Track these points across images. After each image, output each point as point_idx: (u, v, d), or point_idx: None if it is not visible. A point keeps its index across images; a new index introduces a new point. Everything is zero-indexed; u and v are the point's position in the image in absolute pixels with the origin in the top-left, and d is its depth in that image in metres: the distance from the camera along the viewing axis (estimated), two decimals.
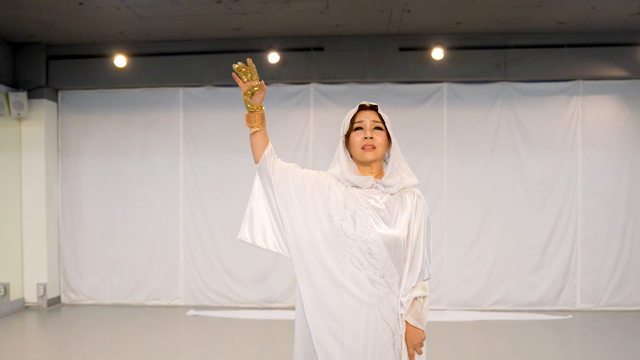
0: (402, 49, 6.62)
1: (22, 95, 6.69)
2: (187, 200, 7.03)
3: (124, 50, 6.77)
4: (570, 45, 6.53)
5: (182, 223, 7.05)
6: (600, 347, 5.32)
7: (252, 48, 6.58)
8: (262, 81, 2.18)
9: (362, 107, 2.27)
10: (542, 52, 6.57)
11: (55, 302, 7.09)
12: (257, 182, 2.30)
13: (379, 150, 2.20)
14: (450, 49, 6.55)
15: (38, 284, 6.91)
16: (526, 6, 5.75)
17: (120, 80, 6.90)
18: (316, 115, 6.91)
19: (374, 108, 2.26)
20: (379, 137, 2.20)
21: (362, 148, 2.18)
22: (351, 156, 2.25)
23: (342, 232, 2.16)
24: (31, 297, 6.95)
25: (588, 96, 6.75)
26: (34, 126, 6.92)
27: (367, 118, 2.21)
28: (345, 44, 6.67)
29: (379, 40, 6.64)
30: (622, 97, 6.74)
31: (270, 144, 2.26)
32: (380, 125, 2.22)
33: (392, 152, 2.26)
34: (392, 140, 2.25)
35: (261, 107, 2.21)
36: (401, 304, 2.17)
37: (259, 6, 5.76)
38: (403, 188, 2.24)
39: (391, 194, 2.22)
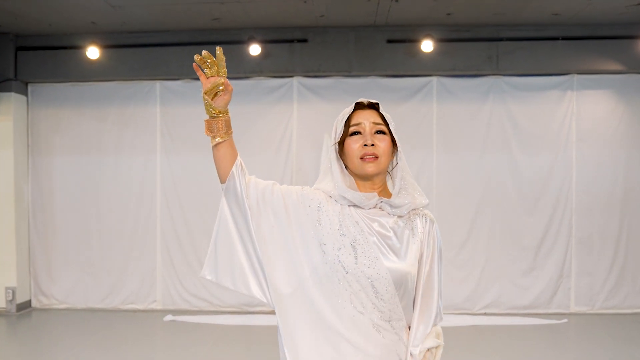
0: (389, 41, 6.39)
1: None
2: (165, 199, 6.77)
3: (97, 41, 6.49)
4: (564, 38, 6.32)
5: (160, 224, 6.78)
6: (596, 352, 5.16)
7: (232, 39, 6.31)
8: (227, 80, 1.73)
9: (359, 106, 1.84)
10: (535, 45, 6.35)
11: (25, 306, 6.78)
12: (223, 208, 1.82)
13: (383, 160, 1.76)
14: (440, 41, 6.32)
15: (6, 288, 6.61)
16: None
17: (93, 73, 6.63)
18: (300, 111, 6.66)
19: (373, 107, 1.84)
20: (382, 143, 1.76)
21: (362, 158, 1.75)
22: (346, 167, 1.81)
23: (340, 265, 1.71)
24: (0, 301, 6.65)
25: (583, 91, 6.55)
26: (1, 122, 6.63)
27: (366, 120, 1.78)
28: (330, 35, 6.43)
29: (366, 32, 6.40)
30: (617, 92, 6.54)
31: (239, 158, 1.80)
32: (383, 128, 1.79)
33: (398, 161, 1.83)
34: (398, 148, 1.82)
35: (226, 111, 1.76)
36: (411, 355, 1.75)
37: None
38: (413, 209, 1.81)
39: (399, 217, 1.78)
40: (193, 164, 6.68)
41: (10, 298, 6.59)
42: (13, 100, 6.62)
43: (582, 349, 5.31)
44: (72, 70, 6.65)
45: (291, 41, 6.46)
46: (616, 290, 6.54)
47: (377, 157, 1.75)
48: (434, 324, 1.78)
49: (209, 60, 1.73)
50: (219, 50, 1.72)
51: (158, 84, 6.77)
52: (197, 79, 6.58)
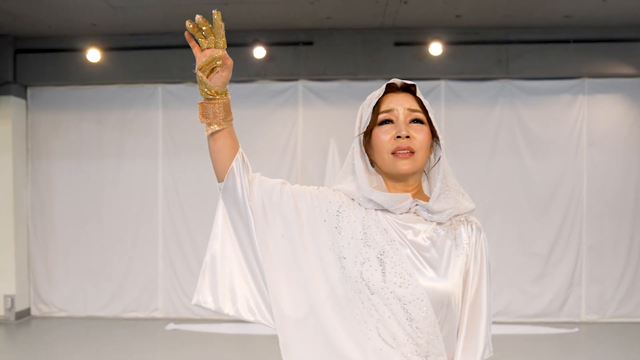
0: (397, 44, 6.27)
1: None
2: (167, 205, 6.65)
3: (97, 43, 6.37)
4: (575, 41, 6.19)
5: (162, 230, 6.66)
6: None
7: (236, 42, 6.17)
8: (226, 53, 1.39)
9: (390, 88, 1.49)
10: (546, 48, 6.23)
11: (24, 314, 6.65)
12: (221, 212, 1.50)
13: (420, 156, 1.44)
14: (449, 43, 6.20)
15: (5, 296, 6.48)
16: None
17: (94, 76, 6.51)
18: (305, 115, 6.54)
19: (409, 89, 1.49)
20: (420, 134, 1.43)
21: (394, 153, 1.42)
22: (372, 164, 1.50)
23: (363, 283, 1.38)
24: None
25: (594, 95, 6.43)
26: (0, 125, 6.50)
27: (400, 105, 1.45)
28: (337, 38, 6.31)
29: (373, 34, 6.28)
30: (630, 96, 6.41)
31: (241, 151, 1.48)
32: (421, 116, 1.45)
33: (439, 158, 1.49)
34: (441, 141, 1.49)
35: (225, 92, 1.43)
36: None
37: None
38: (456, 215, 1.48)
39: (438, 224, 1.45)
40: (195, 169, 6.55)
41: (9, 306, 6.46)
42: (12, 104, 6.50)
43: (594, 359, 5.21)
44: (72, 73, 6.53)
45: (296, 44, 6.34)
46: (628, 298, 6.40)
47: (413, 153, 1.42)
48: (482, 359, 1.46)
49: (204, 28, 1.38)
50: (216, 14, 1.36)
51: (160, 88, 6.66)
52: None
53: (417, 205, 1.45)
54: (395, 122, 1.44)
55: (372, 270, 1.39)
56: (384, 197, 1.43)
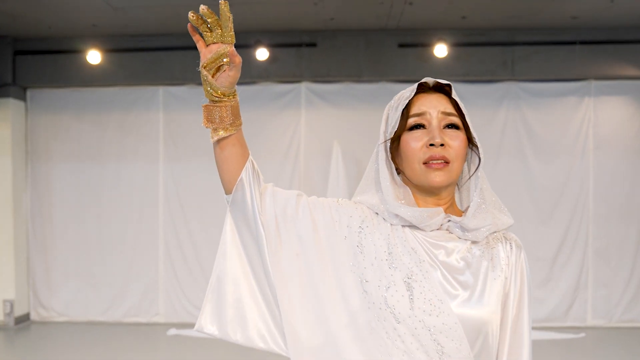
0: (401, 45, 6.19)
1: None
2: (168, 208, 6.57)
3: (98, 45, 6.29)
4: (582, 42, 6.12)
5: (163, 233, 6.58)
6: None
7: (239, 43, 5.91)
8: (234, 49, 1.23)
9: (422, 88, 1.33)
10: (552, 50, 6.16)
11: (23, 319, 6.57)
12: (229, 227, 1.34)
13: (455, 166, 1.27)
14: (454, 45, 6.12)
15: (4, 301, 6.40)
16: None
17: (94, 77, 6.43)
18: (308, 117, 6.46)
19: (443, 89, 1.33)
20: (456, 142, 1.27)
21: (427, 164, 1.26)
22: (398, 172, 1.34)
23: (388, 311, 1.23)
24: None
25: (600, 97, 6.35)
26: None
27: (434, 108, 1.29)
28: (340, 39, 6.23)
29: (377, 36, 6.20)
30: (637, 99, 6.34)
31: (251, 159, 1.33)
32: (457, 120, 1.29)
33: (477, 167, 1.33)
34: (480, 150, 1.31)
35: (233, 93, 1.27)
36: None
37: None
38: (493, 232, 1.32)
39: (473, 242, 1.30)
40: (197, 172, 6.48)
41: (8, 311, 6.38)
42: (11, 106, 6.42)
43: None
44: (72, 75, 6.45)
45: (299, 45, 6.26)
46: (635, 302, 6.33)
47: (447, 163, 1.26)
48: None
49: (209, 20, 1.22)
50: (223, 4, 1.20)
51: (161, 90, 6.58)
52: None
53: (449, 221, 1.29)
54: (427, 127, 1.28)
55: (398, 295, 1.23)
56: (412, 212, 1.26)
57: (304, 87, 6.44)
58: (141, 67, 6.40)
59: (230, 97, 1.26)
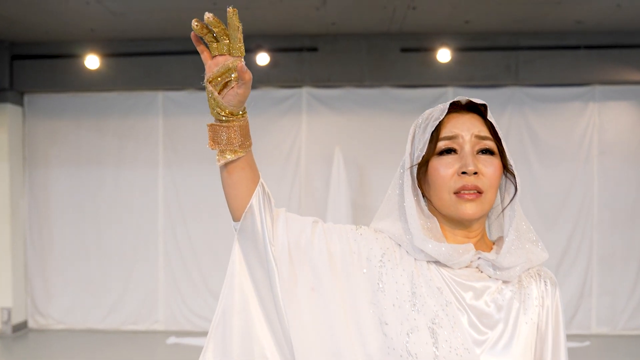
0: (404, 50, 6.12)
1: None
2: (168, 215, 6.50)
3: (96, 49, 6.20)
4: (587, 47, 6.04)
5: (162, 240, 6.51)
6: None
7: None
8: (243, 64, 1.09)
9: (455, 107, 1.22)
10: (556, 54, 6.09)
11: (21, 327, 6.49)
12: (237, 257, 1.22)
13: (489, 197, 1.16)
14: (457, 50, 6.05)
15: (2, 309, 6.32)
16: (544, 3, 5.22)
17: (92, 82, 6.35)
18: (309, 123, 6.39)
19: (476, 109, 1.22)
20: (490, 169, 1.16)
21: (458, 193, 1.15)
22: (425, 199, 1.22)
23: (408, 356, 1.13)
24: None
25: (605, 102, 6.28)
26: None
27: (467, 130, 1.17)
28: (342, 44, 6.15)
29: (379, 40, 6.13)
30: None
31: (261, 182, 1.20)
32: (492, 145, 1.18)
33: (511, 195, 1.22)
34: (516, 178, 1.21)
35: (242, 113, 1.14)
36: None
37: (247, 2, 5.21)
38: (526, 269, 1.22)
39: (504, 282, 1.19)
40: (197, 178, 6.41)
41: (5, 319, 6.30)
42: (8, 111, 6.34)
43: None
44: (70, 79, 6.37)
45: (300, 50, 6.19)
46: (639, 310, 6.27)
47: (480, 193, 1.14)
48: None
49: (215, 30, 1.08)
50: (232, 12, 1.07)
51: (160, 95, 6.51)
52: (202, 89, 6.31)
53: (480, 258, 1.17)
54: (459, 152, 1.17)
55: (421, 342, 1.12)
56: (440, 249, 1.15)
57: (305, 92, 6.37)
58: (140, 72, 6.33)
59: (239, 116, 1.13)
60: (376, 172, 6.30)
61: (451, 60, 6.02)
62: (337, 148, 6.10)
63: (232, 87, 1.10)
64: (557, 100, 6.29)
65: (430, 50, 6.06)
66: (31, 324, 6.64)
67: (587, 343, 5.94)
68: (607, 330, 6.27)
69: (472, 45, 6.10)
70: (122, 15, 5.55)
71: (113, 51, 6.27)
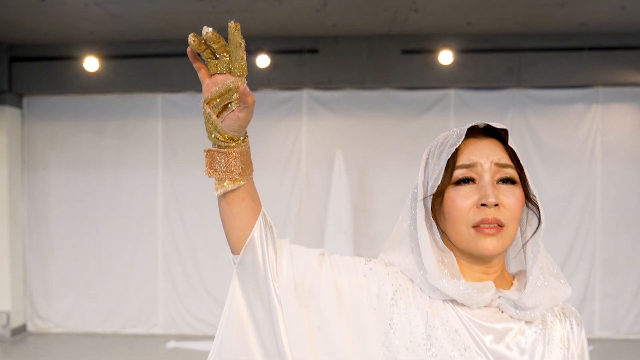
0: (405, 52, 6.05)
1: None
2: (167, 218, 6.45)
3: (95, 51, 6.15)
4: (590, 49, 5.98)
5: (162, 243, 6.46)
6: None
7: None
8: (245, 85, 0.99)
9: (473, 132, 1.12)
10: (559, 56, 6.02)
11: (20, 331, 6.44)
12: (237, 293, 1.10)
13: (510, 230, 1.07)
14: (459, 51, 5.99)
15: (1, 312, 6.27)
16: (548, 5, 5.16)
17: (92, 85, 6.29)
18: (310, 125, 6.33)
19: (495, 133, 1.13)
20: (511, 199, 1.07)
21: (477, 227, 1.06)
22: (441, 232, 1.12)
23: None
24: None
25: (608, 104, 6.22)
26: None
27: (486, 158, 1.08)
28: (342, 45, 6.09)
29: (380, 42, 6.06)
30: None
31: (263, 212, 1.11)
32: (513, 173, 1.09)
33: (532, 227, 1.14)
34: (540, 210, 1.14)
35: (243, 138, 1.05)
36: None
37: (246, 4, 5.15)
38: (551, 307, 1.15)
39: (527, 323, 1.10)
40: (197, 180, 6.34)
41: (4, 323, 6.25)
42: (7, 114, 6.29)
43: None
44: (69, 82, 6.31)
45: (301, 52, 6.13)
46: None
47: (501, 227, 1.05)
48: None
49: (215, 46, 0.98)
50: (234, 27, 0.96)
51: (160, 97, 6.45)
52: (201, 91, 6.27)
53: (500, 296, 1.08)
54: (477, 181, 1.07)
55: None
56: (457, 288, 1.05)
57: (305, 94, 6.31)
58: (139, 74, 6.28)
59: (239, 142, 1.03)
60: (377, 175, 6.24)
61: (453, 62, 5.96)
62: (337, 150, 6.05)
63: (233, 110, 1.00)
64: (559, 102, 6.23)
65: (431, 52, 6.00)
66: (30, 327, 6.59)
67: (590, 347, 5.87)
68: (610, 334, 6.21)
69: (474, 47, 6.04)
70: (121, 18, 5.49)
71: (112, 53, 6.22)
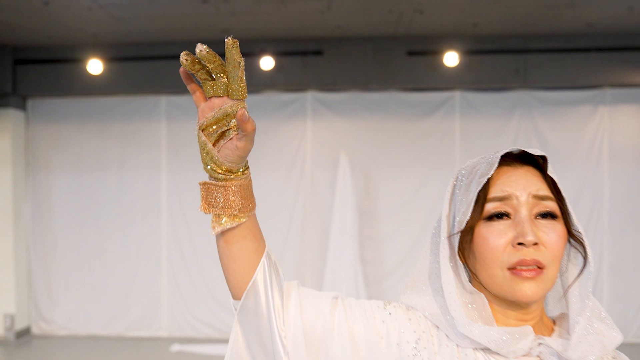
0: (410, 53, 6.00)
1: None
2: (171, 220, 6.42)
3: (99, 54, 6.12)
4: (597, 49, 5.91)
5: (165, 245, 6.43)
6: None
7: (243, 51, 5.75)
8: (245, 110, 0.88)
9: (506, 160, 1.00)
10: (565, 57, 5.96)
11: (24, 333, 6.43)
12: (240, 340, 0.99)
13: (552, 272, 0.94)
14: (464, 53, 5.93)
15: (5, 315, 6.25)
16: (555, 6, 5.10)
17: (95, 87, 6.25)
18: (314, 127, 6.29)
19: (531, 160, 1.00)
20: (552, 236, 0.94)
21: (513, 270, 0.93)
22: (470, 273, 1.00)
23: None
24: None
25: (615, 105, 6.15)
26: None
27: (522, 189, 0.95)
28: (347, 47, 6.04)
29: (385, 43, 6.01)
30: None
31: (267, 251, 1.00)
32: (553, 206, 0.96)
33: (577, 266, 1.01)
34: (586, 247, 1.00)
35: (243, 170, 0.95)
36: None
37: (250, 6, 5.11)
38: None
39: None
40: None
41: (8, 325, 6.23)
42: (11, 116, 6.27)
43: None
44: (73, 84, 6.28)
45: (305, 53, 6.08)
46: None
47: (541, 269, 0.92)
48: None
49: (210, 66, 0.88)
50: (231, 43, 0.85)
51: (164, 99, 6.42)
52: None
53: (541, 344, 0.95)
54: (513, 216, 0.94)
55: None
56: (490, 334, 0.92)
57: (310, 96, 6.26)
58: (143, 76, 6.24)
59: (239, 174, 0.93)
60: (382, 177, 6.20)
61: (458, 63, 5.90)
62: (342, 153, 6.01)
63: (231, 138, 0.90)
64: (566, 103, 6.16)
65: (437, 53, 5.94)
66: (34, 329, 6.57)
67: None
68: None
69: (480, 48, 5.98)
70: (125, 20, 5.46)
71: (116, 56, 6.18)
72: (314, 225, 6.23)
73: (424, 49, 5.98)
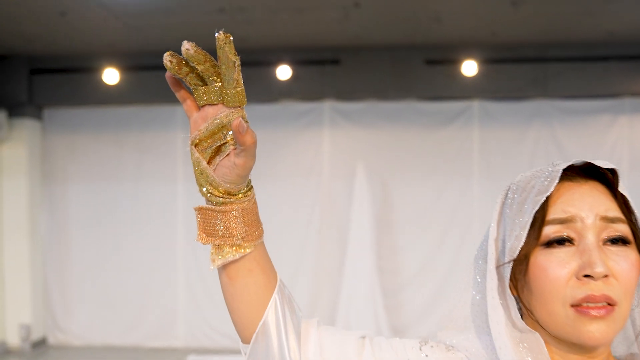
0: (428, 62, 5.95)
1: (1, 114, 6.01)
2: (187, 230, 6.39)
3: (115, 63, 6.10)
4: (617, 58, 5.84)
5: (182, 255, 6.41)
6: None
7: (259, 60, 5.88)
8: (243, 120, 0.75)
9: (567, 174, 0.85)
10: (585, 66, 5.89)
11: (40, 343, 6.41)
12: None
13: (624, 309, 0.78)
14: (483, 62, 5.87)
15: (21, 325, 6.23)
16: (575, 14, 5.04)
17: (111, 96, 6.24)
18: (331, 137, 6.25)
19: (598, 175, 0.87)
20: (624, 265, 0.78)
21: (578, 307, 0.78)
22: (523, 307, 0.86)
23: None
24: (13, 340, 6.26)
25: (636, 115, 6.08)
26: (15, 148, 6.24)
27: (589, 210, 0.81)
28: (365, 56, 6.00)
29: (403, 53, 5.97)
30: None
31: (279, 285, 0.87)
32: (625, 230, 0.81)
33: None
34: None
35: (248, 188, 0.83)
36: None
37: (268, 15, 5.08)
38: None
39: None
40: None
41: (24, 336, 6.21)
42: (27, 126, 6.26)
43: None
44: (89, 94, 6.27)
45: (322, 63, 6.04)
46: None
47: (612, 305, 0.77)
48: None
49: (200, 67, 0.75)
50: (223, 38, 0.72)
51: (179, 109, 6.34)
52: None
53: None
54: (577, 242, 0.79)
55: None
56: None
57: (327, 105, 6.22)
58: (159, 86, 6.19)
59: (240, 196, 0.79)
60: (400, 187, 6.15)
61: (477, 72, 5.85)
62: (360, 162, 5.97)
63: (228, 154, 0.77)
64: (585, 112, 6.10)
65: (455, 62, 5.89)
66: (51, 340, 6.55)
67: None
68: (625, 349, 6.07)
69: (498, 57, 5.92)
70: (140, 30, 5.45)
71: (132, 65, 6.17)
72: (331, 235, 6.18)
73: (442, 58, 5.94)
